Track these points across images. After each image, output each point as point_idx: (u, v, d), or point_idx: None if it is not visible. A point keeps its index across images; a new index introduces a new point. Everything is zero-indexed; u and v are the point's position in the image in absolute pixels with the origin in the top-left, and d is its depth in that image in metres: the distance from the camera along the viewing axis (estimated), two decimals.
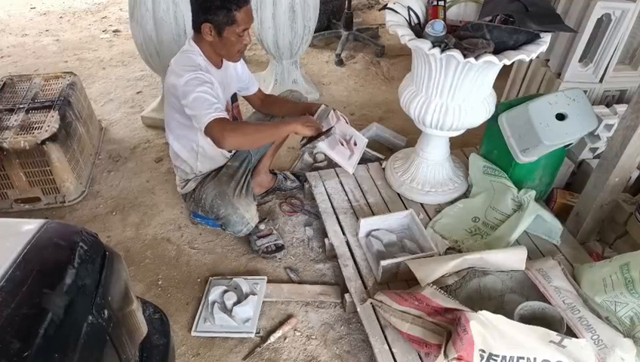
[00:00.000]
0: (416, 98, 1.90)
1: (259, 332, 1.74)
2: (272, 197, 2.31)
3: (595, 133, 2.09)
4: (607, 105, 2.18)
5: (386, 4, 1.84)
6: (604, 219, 1.94)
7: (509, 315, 1.43)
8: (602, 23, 2.09)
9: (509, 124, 1.95)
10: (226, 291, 1.81)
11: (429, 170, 2.14)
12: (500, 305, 1.64)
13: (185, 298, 1.88)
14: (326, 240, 2.01)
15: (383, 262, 1.73)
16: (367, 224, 1.95)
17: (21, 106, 2.31)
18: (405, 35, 1.70)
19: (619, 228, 1.94)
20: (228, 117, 1.69)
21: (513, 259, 1.69)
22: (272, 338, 1.71)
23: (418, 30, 1.79)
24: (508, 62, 1.62)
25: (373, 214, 2.07)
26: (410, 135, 2.60)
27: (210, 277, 1.92)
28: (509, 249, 1.78)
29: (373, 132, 2.65)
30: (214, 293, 1.80)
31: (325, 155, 2.33)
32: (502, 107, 2.00)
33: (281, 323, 1.76)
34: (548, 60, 2.37)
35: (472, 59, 1.60)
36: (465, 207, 2.10)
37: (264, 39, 2.81)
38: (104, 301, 0.98)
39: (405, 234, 1.99)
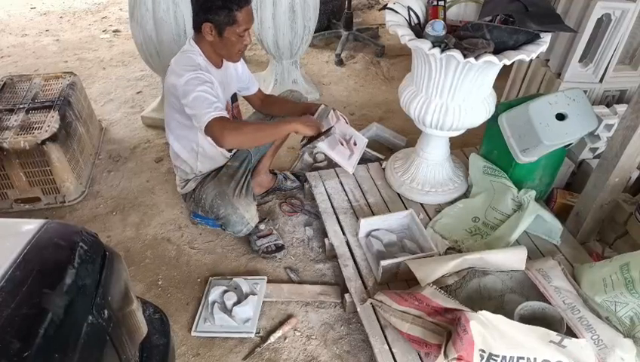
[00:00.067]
0: (417, 98, 1.90)
1: (259, 333, 1.74)
2: (272, 197, 2.31)
3: (595, 133, 2.09)
4: (607, 105, 2.19)
5: (386, 4, 1.84)
6: (604, 219, 1.94)
7: (509, 315, 1.43)
8: (602, 23, 2.09)
9: (509, 124, 1.95)
10: (226, 291, 1.81)
11: (429, 170, 2.14)
12: (500, 305, 1.63)
13: (185, 298, 1.88)
14: (326, 240, 2.01)
15: (383, 262, 1.73)
16: (367, 224, 1.95)
17: (21, 106, 2.31)
18: (405, 35, 1.70)
19: (619, 228, 1.94)
20: (228, 116, 1.69)
21: (513, 259, 1.69)
22: (272, 339, 1.71)
23: (418, 30, 1.79)
24: (508, 63, 1.63)
25: (373, 214, 2.07)
26: (410, 135, 2.60)
27: (210, 277, 1.92)
28: (509, 249, 1.78)
29: (373, 132, 2.64)
30: (214, 293, 1.80)
31: (325, 155, 2.33)
32: (502, 107, 2.00)
33: (281, 323, 1.76)
34: (548, 60, 2.37)
35: (472, 59, 1.60)
36: (465, 207, 2.10)
37: (264, 39, 2.81)
38: (104, 301, 0.98)
39: (405, 234, 1.99)
